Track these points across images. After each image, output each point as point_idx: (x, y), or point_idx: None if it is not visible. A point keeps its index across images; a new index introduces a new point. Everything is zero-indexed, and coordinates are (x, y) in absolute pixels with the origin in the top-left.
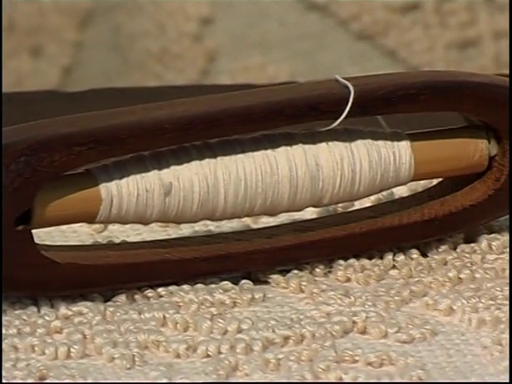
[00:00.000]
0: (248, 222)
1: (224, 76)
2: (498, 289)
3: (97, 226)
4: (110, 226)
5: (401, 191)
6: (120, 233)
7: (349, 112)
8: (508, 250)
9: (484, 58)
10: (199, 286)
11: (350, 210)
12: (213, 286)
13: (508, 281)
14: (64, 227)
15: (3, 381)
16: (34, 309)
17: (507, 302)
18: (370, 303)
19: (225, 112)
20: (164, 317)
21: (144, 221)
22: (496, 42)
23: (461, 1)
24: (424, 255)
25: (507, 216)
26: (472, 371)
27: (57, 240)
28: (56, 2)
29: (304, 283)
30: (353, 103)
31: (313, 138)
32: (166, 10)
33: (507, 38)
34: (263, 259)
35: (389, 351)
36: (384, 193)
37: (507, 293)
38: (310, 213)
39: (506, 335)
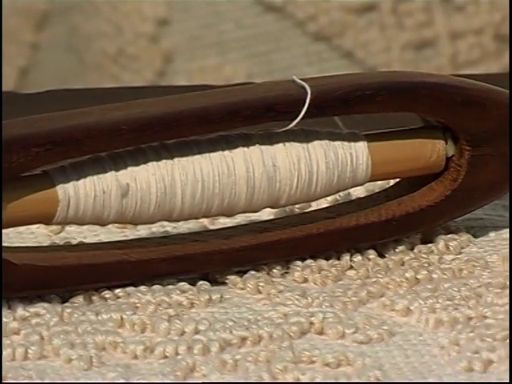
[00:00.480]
0: (205, 222)
1: (180, 77)
2: (455, 289)
3: (54, 227)
4: (68, 227)
5: (358, 192)
6: (77, 234)
7: (306, 113)
8: (465, 249)
9: (440, 59)
10: (156, 287)
11: (307, 210)
12: (170, 287)
13: (463, 281)
14: (21, 228)
15: (3, 381)
16: None
17: (464, 303)
18: (327, 304)
19: (182, 113)
20: (121, 318)
21: (101, 222)
22: (452, 42)
23: (417, 1)
24: (381, 256)
25: (464, 216)
26: (429, 371)
27: (14, 241)
28: (13, 3)
29: (261, 284)
30: (310, 104)
31: (270, 139)
32: (122, 11)
33: (463, 38)
34: (220, 260)
35: (346, 352)
36: (341, 193)
37: (464, 293)
38: (267, 214)
39: (464, 335)
